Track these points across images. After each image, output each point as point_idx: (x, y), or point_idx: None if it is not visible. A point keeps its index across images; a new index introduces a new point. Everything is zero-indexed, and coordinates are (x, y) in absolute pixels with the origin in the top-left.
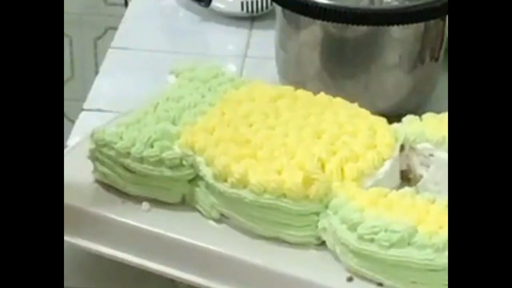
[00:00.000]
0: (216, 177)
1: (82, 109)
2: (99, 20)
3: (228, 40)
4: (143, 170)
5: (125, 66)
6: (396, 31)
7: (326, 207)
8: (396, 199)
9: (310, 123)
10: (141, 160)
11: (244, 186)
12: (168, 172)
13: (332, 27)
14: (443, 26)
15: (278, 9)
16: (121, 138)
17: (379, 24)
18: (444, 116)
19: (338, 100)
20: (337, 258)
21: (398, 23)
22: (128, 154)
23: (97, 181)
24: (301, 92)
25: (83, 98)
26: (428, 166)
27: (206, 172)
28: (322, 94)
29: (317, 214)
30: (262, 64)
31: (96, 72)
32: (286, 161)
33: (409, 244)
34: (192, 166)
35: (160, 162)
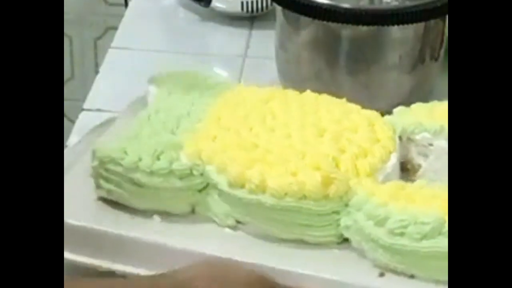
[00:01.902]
0: (231, 184)
1: (82, 109)
2: (99, 20)
3: (228, 40)
4: (153, 183)
5: (125, 66)
6: (396, 31)
7: (346, 205)
8: (415, 191)
9: (309, 122)
10: (151, 173)
11: (263, 191)
12: (178, 183)
13: (332, 27)
14: (443, 26)
15: (278, 9)
16: (125, 153)
17: (379, 24)
18: (433, 104)
19: (325, 96)
20: (361, 255)
21: (398, 23)
22: (136, 169)
23: (100, 198)
24: (289, 92)
25: (83, 98)
26: (426, 156)
27: (220, 180)
28: (308, 92)
29: (338, 212)
30: (262, 64)
31: (96, 72)
32: (299, 162)
33: (440, 233)
34: (202, 175)
35: (169, 173)
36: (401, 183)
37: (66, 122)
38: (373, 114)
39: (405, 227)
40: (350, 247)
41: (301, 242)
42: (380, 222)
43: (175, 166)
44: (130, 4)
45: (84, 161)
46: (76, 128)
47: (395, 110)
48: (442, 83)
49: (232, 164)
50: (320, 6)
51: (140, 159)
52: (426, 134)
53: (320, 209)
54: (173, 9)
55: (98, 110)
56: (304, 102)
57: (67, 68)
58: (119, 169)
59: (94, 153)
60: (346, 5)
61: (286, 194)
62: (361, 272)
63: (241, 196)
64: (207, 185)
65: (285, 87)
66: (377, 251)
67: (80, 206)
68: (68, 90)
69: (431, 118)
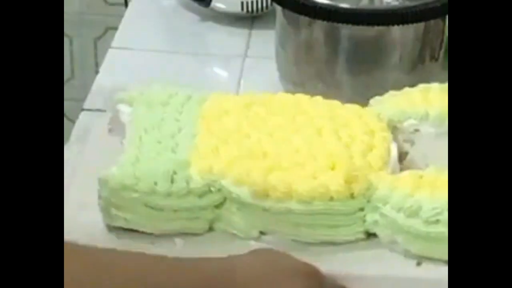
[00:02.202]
0: (255, 195)
1: (82, 109)
2: (99, 20)
3: (228, 40)
4: (171, 205)
5: (125, 66)
6: (396, 31)
7: (368, 200)
8: (432, 178)
9: (301, 123)
10: (168, 195)
11: (290, 198)
12: (197, 202)
13: (332, 27)
14: (443, 26)
15: (278, 9)
16: (137, 178)
17: (379, 24)
18: (406, 91)
19: (300, 95)
20: (390, 247)
21: (398, 23)
22: (153, 193)
23: (110, 228)
24: (264, 95)
25: (83, 98)
26: (412, 142)
27: (240, 192)
28: (281, 93)
29: (362, 209)
30: (262, 64)
31: (96, 72)
32: (314, 164)
33: None
34: (219, 190)
35: (188, 193)
36: (416, 172)
37: (66, 122)
38: (356, 108)
39: (440, 214)
40: (377, 242)
41: (327, 244)
42: (413, 213)
43: (192, 185)
44: (130, 4)
45: (75, 191)
46: (76, 128)
47: (371, 101)
48: (442, 83)
49: (250, 175)
50: (320, 6)
51: (155, 183)
52: (412, 121)
53: (347, 208)
54: (173, 9)
55: (98, 110)
56: (284, 103)
57: (67, 68)
58: (134, 195)
59: (103, 183)
60: (346, 5)
61: (313, 198)
62: (397, 263)
63: (267, 206)
64: (225, 200)
65: (285, 87)
66: (412, 241)
67: (88, 238)
68: (68, 90)
69: (413, 105)
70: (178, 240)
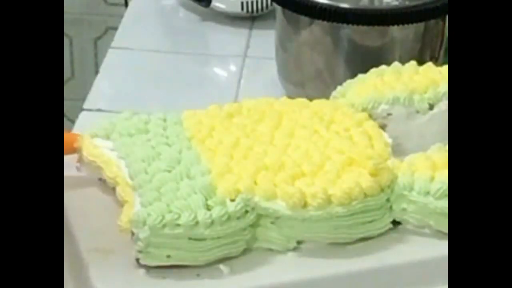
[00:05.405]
0: (295, 206)
1: (82, 109)
2: (99, 20)
3: (228, 40)
4: (215, 232)
5: (125, 66)
6: (396, 31)
7: (392, 190)
8: (443, 158)
9: (291, 127)
10: (212, 223)
11: (329, 203)
12: (238, 224)
13: (332, 27)
14: (443, 26)
15: (278, 9)
16: (174, 212)
17: (379, 24)
18: (361, 78)
19: (268, 99)
20: (415, 232)
21: (398, 23)
22: (196, 224)
23: (148, 270)
24: (238, 105)
25: (83, 98)
26: (384, 126)
27: (276, 206)
28: (247, 99)
29: (388, 200)
30: (262, 64)
31: (96, 72)
32: (335, 165)
33: None
34: (253, 208)
35: (229, 218)
36: (420, 154)
37: (66, 122)
38: (329, 102)
39: None
40: (401, 229)
41: (362, 240)
42: (442, 195)
43: (230, 208)
44: (130, 4)
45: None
46: (76, 128)
47: (333, 93)
48: None
49: (278, 187)
50: (320, 6)
51: (195, 213)
52: (384, 106)
53: (379, 202)
54: (173, 9)
55: (98, 110)
56: (260, 109)
57: (67, 68)
58: (178, 230)
59: (140, 224)
60: (346, 5)
61: (351, 199)
62: (431, 247)
63: (307, 216)
64: (258, 217)
65: (285, 87)
66: (444, 221)
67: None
68: (68, 90)
69: (375, 90)
70: (223, 267)
